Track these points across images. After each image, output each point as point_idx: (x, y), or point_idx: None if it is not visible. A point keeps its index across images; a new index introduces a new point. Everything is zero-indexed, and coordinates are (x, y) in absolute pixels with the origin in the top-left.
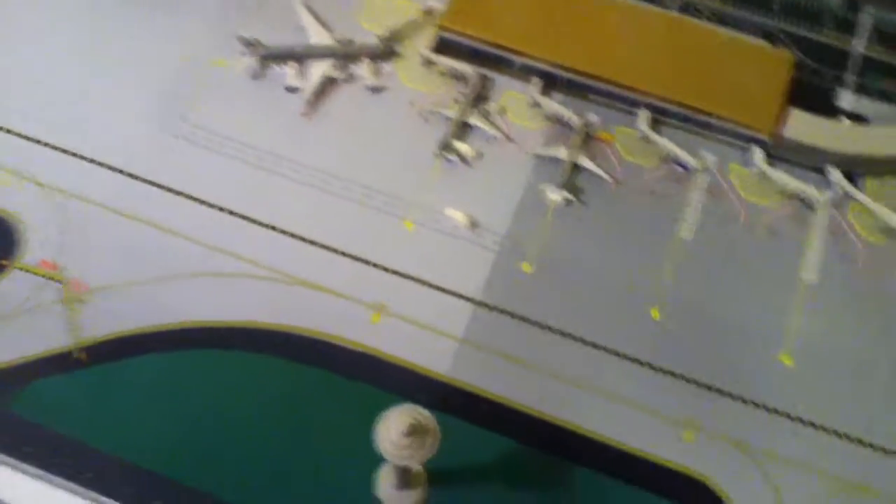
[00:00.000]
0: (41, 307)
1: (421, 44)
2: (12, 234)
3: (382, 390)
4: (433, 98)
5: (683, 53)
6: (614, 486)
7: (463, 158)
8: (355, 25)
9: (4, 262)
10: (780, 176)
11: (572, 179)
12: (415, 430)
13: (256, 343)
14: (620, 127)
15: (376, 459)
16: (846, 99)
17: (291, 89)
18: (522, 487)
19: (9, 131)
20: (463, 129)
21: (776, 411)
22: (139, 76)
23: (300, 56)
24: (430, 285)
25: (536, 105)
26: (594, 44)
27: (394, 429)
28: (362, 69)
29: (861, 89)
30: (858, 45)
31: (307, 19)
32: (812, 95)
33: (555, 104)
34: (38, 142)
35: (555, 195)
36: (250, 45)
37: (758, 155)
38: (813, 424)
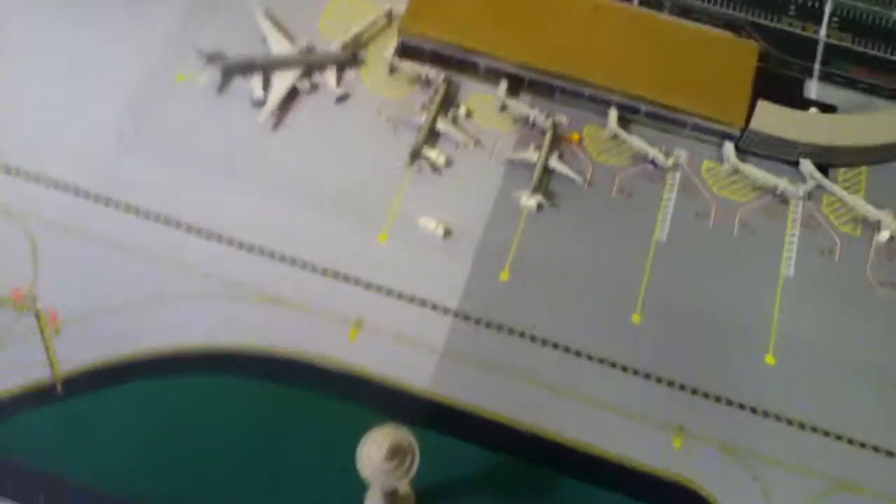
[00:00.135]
0: (16, 339)
1: (385, 49)
2: None
3: (365, 408)
4: (400, 104)
5: (649, 49)
6: (601, 495)
7: (433, 166)
8: (316, 33)
9: None
10: (753, 170)
11: (544, 183)
12: (396, 452)
13: (233, 366)
14: (590, 127)
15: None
16: (814, 88)
17: (258, 102)
18: (509, 501)
19: None
20: (432, 136)
21: (761, 412)
22: (98, 92)
23: (263, 67)
24: (407, 297)
25: (504, 107)
26: (559, 42)
27: (375, 452)
28: (327, 77)
29: (828, 78)
30: (823, 34)
31: (268, 29)
32: (780, 86)
33: (523, 106)
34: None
35: (528, 200)
36: (211, 57)
37: (729, 150)
38: (799, 424)
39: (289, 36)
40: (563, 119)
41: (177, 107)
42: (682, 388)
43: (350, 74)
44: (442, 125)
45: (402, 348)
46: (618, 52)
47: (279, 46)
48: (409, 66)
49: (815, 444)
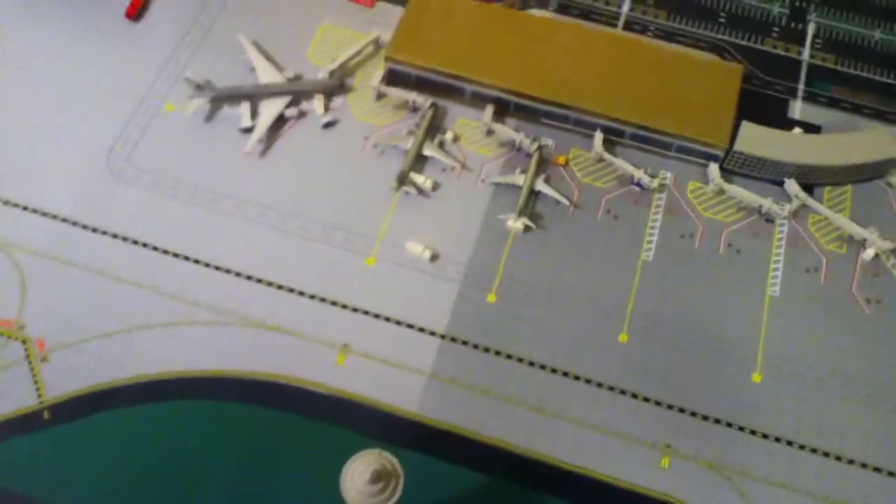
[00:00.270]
0: (4, 366)
1: (372, 77)
2: None
3: (352, 431)
4: (387, 130)
5: (634, 72)
6: None
7: (420, 190)
8: (306, 60)
9: None
10: (738, 190)
11: (530, 205)
12: (380, 476)
13: (221, 391)
14: (576, 149)
15: None
16: (798, 108)
17: (246, 130)
18: None
19: None
20: (419, 161)
21: (749, 430)
22: (88, 122)
23: (251, 95)
24: (395, 321)
25: (491, 132)
26: (543, 67)
27: (359, 478)
28: (314, 104)
29: (812, 98)
30: (806, 55)
31: (255, 57)
32: (765, 107)
33: (509, 130)
34: None
35: (514, 223)
36: (199, 87)
37: (714, 171)
38: (786, 441)
39: (276, 65)
40: (549, 142)
41: (166, 136)
42: (670, 407)
43: (338, 101)
44: (429, 150)
45: (389, 371)
46: (603, 76)
47: (267, 75)
48: (395, 93)
49: (802, 461)
